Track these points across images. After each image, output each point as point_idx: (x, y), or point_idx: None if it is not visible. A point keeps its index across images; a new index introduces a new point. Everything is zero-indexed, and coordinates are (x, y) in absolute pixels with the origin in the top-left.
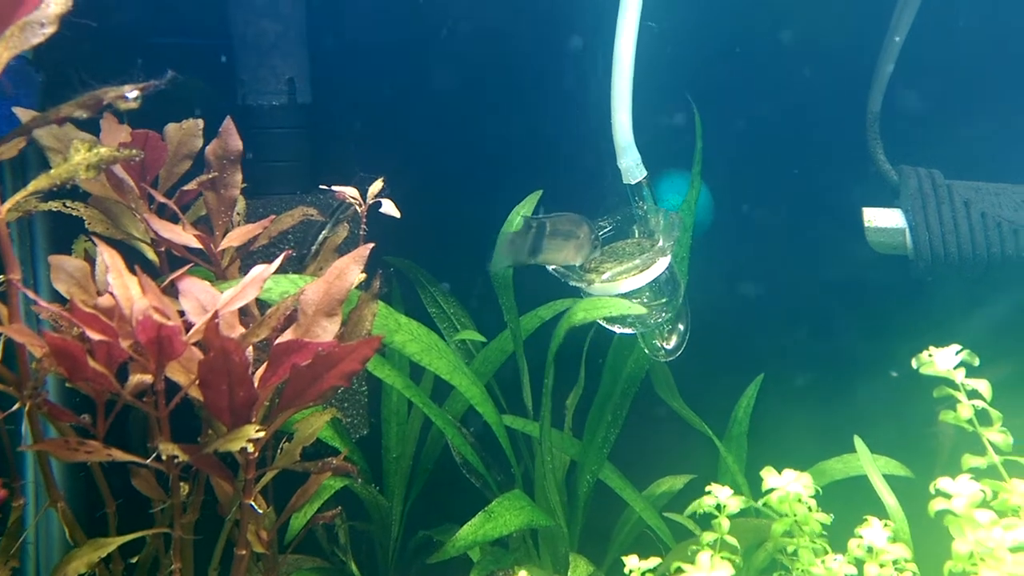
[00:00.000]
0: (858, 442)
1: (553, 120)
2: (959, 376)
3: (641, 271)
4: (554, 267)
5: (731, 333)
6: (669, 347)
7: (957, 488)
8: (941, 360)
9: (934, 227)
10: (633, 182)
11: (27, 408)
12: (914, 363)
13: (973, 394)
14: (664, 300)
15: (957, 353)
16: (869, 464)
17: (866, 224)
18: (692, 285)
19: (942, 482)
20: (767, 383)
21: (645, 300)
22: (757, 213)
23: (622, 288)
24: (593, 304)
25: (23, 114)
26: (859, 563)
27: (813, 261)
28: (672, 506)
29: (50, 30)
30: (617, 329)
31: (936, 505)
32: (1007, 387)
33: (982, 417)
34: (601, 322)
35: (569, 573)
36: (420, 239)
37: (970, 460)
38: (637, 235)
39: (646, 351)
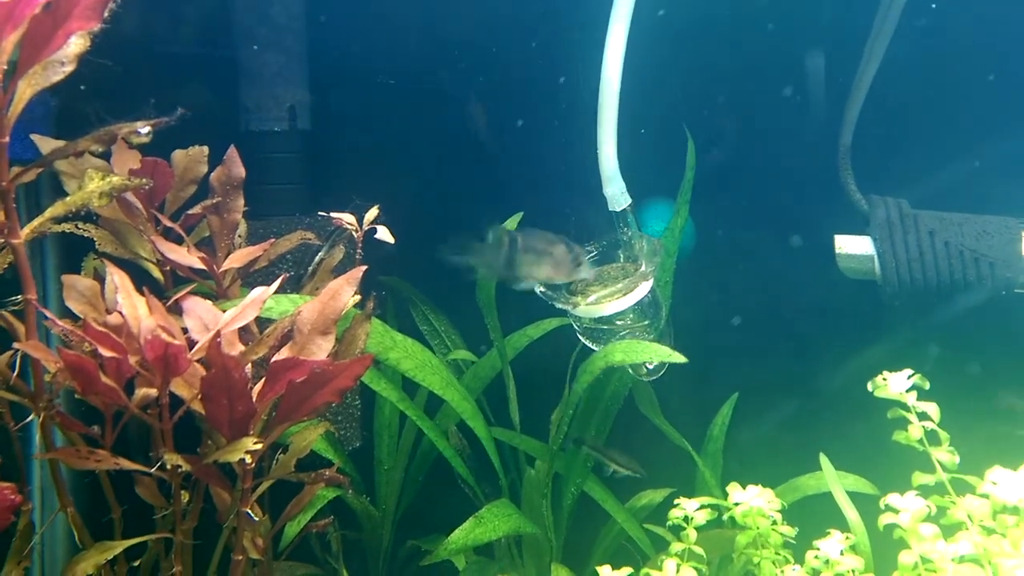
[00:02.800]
0: (823, 460)
1: (547, 146)
2: (911, 399)
3: (624, 294)
4: (541, 290)
5: (711, 353)
6: (651, 367)
7: (904, 504)
8: (894, 384)
9: (900, 255)
10: (618, 209)
11: (41, 419)
12: (869, 386)
13: (923, 416)
14: (647, 322)
15: (909, 377)
16: (833, 480)
17: (837, 251)
18: (674, 308)
19: (891, 498)
20: (743, 401)
21: (629, 322)
22: (737, 240)
23: (606, 310)
24: (632, 347)
25: (43, 143)
26: (816, 573)
27: (789, 285)
28: (653, 518)
29: (70, 68)
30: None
31: (885, 519)
32: (960, 403)
33: (931, 437)
34: (586, 342)
35: None
36: (415, 260)
37: (919, 477)
38: (622, 260)
39: (630, 370)
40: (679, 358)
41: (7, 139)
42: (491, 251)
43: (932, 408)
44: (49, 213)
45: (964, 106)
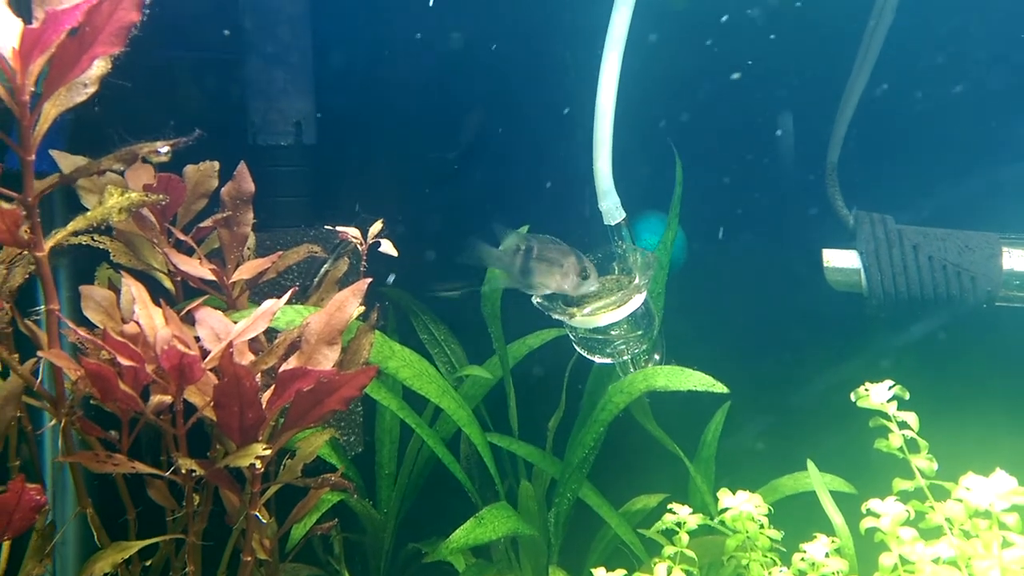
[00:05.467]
0: (810, 465)
1: (546, 161)
2: (891, 409)
3: (619, 306)
4: (538, 301)
5: (703, 362)
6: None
7: (884, 508)
8: (875, 394)
9: (885, 268)
10: (613, 223)
11: (63, 424)
12: (852, 396)
13: (903, 425)
14: (640, 332)
15: (890, 388)
16: (820, 486)
17: (825, 264)
18: (668, 317)
19: (872, 502)
20: (736, 409)
21: (623, 332)
22: (731, 253)
23: (601, 321)
24: (675, 373)
25: (64, 160)
26: (802, 575)
27: (779, 297)
28: (646, 523)
29: (92, 89)
30: (597, 359)
31: (866, 523)
32: (937, 411)
33: (911, 445)
34: (581, 351)
35: None
36: (417, 270)
37: (899, 484)
38: (616, 272)
39: (619, 372)
40: (721, 388)
41: (33, 157)
42: (505, 256)
43: (911, 417)
44: (72, 227)
45: (949, 125)
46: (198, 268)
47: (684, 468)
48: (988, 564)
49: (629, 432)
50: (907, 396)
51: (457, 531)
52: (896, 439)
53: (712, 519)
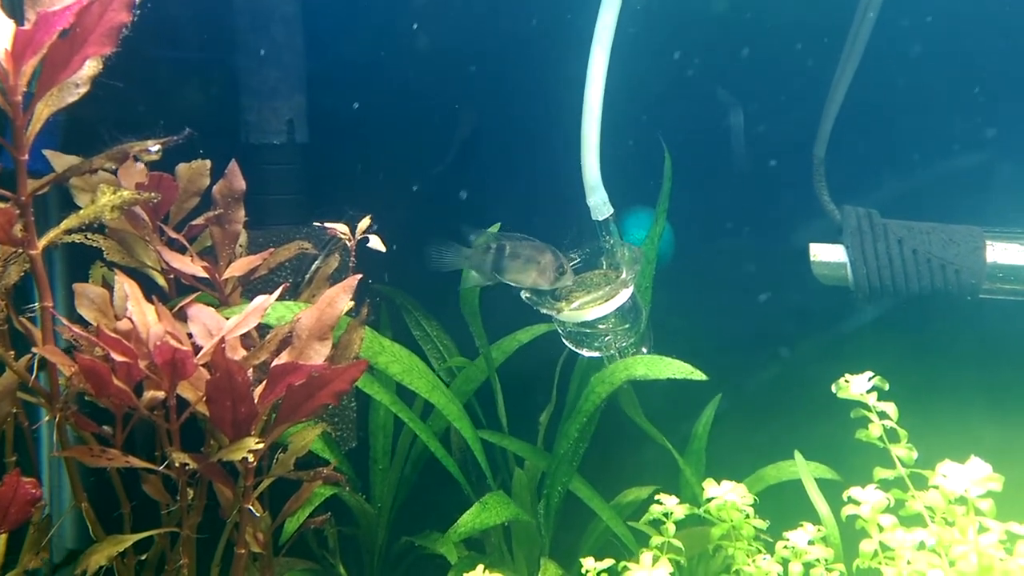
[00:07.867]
0: (796, 454)
1: (535, 159)
2: (871, 399)
3: (606, 300)
4: (526, 296)
5: (693, 356)
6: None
7: (864, 496)
8: (856, 385)
9: (871, 262)
10: (601, 218)
11: (57, 419)
12: (833, 388)
13: (883, 415)
14: (627, 326)
15: (870, 379)
16: (805, 474)
17: (812, 258)
18: (658, 310)
19: (852, 490)
20: (726, 402)
21: (610, 326)
22: (717, 246)
23: (589, 316)
24: (655, 363)
25: (56, 159)
26: (785, 562)
27: (768, 290)
28: (637, 515)
29: (84, 90)
30: (585, 353)
31: (847, 511)
32: (923, 402)
33: (891, 435)
34: (569, 345)
35: (539, 574)
36: (409, 268)
37: (880, 472)
38: (604, 267)
39: (605, 362)
40: (699, 375)
41: (26, 156)
42: (477, 256)
43: (891, 408)
44: (64, 225)
45: (934, 119)
46: (190, 265)
47: (676, 461)
48: (965, 549)
49: (621, 426)
50: (887, 387)
51: (464, 516)
52: (876, 429)
53: (700, 510)
